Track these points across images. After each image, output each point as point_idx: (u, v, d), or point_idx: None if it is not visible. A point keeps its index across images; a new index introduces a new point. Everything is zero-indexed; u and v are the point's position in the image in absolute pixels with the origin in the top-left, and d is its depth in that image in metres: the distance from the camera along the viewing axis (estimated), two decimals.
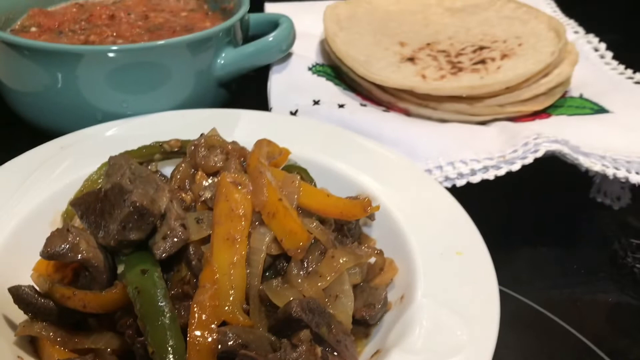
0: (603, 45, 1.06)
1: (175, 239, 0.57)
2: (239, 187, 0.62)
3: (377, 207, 0.65)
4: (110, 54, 0.78)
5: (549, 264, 0.78)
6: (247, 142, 0.76)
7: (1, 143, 0.92)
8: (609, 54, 1.04)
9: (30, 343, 0.58)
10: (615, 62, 1.02)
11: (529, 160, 0.75)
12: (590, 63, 1.03)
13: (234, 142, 0.73)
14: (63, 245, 0.56)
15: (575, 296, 0.74)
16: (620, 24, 1.50)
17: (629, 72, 0.99)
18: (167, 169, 0.75)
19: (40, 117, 0.87)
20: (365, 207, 0.61)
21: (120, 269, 0.58)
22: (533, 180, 0.80)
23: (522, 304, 0.72)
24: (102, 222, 0.59)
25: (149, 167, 0.74)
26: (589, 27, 1.20)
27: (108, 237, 0.57)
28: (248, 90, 0.98)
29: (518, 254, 0.80)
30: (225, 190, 0.61)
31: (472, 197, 0.74)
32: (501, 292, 0.71)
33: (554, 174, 0.81)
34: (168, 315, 0.52)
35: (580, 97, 0.95)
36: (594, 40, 1.08)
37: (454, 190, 0.75)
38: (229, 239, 0.57)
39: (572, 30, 1.14)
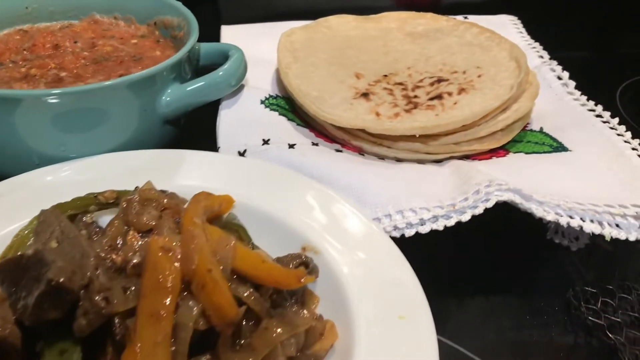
0: (566, 74, 1.03)
1: (96, 316, 0.54)
2: (170, 254, 0.59)
3: (312, 278, 0.62)
4: (48, 98, 0.74)
5: (501, 314, 0.76)
6: (190, 186, 0.74)
7: None
8: (572, 83, 1.01)
9: None
10: (578, 92, 1.00)
11: (480, 210, 0.73)
12: (553, 92, 1.01)
13: (171, 195, 0.70)
14: None
15: (527, 350, 0.72)
16: (589, 40, 1.48)
17: (591, 103, 0.97)
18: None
19: None
20: (299, 277, 0.58)
21: (40, 346, 0.55)
22: (487, 221, 0.77)
23: None
24: (21, 294, 0.56)
25: (85, 219, 0.71)
26: (558, 44, 1.18)
27: (25, 313, 0.54)
28: (201, 122, 0.94)
29: (469, 303, 0.78)
30: (153, 257, 0.58)
31: (421, 241, 0.73)
32: (447, 347, 0.70)
33: (509, 215, 0.79)
34: None
35: (541, 130, 0.93)
36: (558, 68, 1.05)
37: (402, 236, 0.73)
38: (153, 315, 0.54)
39: (537, 55, 1.12)
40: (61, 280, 0.53)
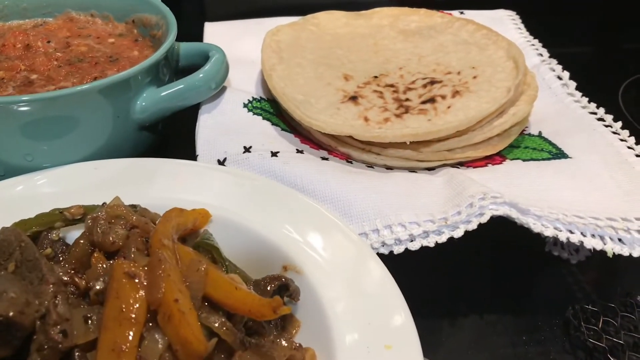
0: (567, 74, 0.98)
1: (52, 351, 0.50)
2: (135, 280, 0.54)
3: (288, 309, 0.57)
4: (13, 106, 0.69)
5: (495, 334, 0.71)
6: (166, 198, 0.70)
7: None
8: (573, 84, 0.96)
9: None
10: (579, 94, 0.94)
11: (473, 225, 0.68)
12: (552, 93, 0.96)
13: (142, 211, 0.66)
14: None
15: None
16: (590, 35, 1.42)
17: (592, 106, 0.91)
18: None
19: None
20: (274, 308, 0.54)
21: None
22: (480, 232, 0.72)
23: None
24: None
25: (51, 235, 0.66)
26: (558, 39, 1.13)
27: None
28: (180, 128, 0.89)
29: (461, 322, 0.73)
30: (117, 284, 0.53)
31: (410, 254, 0.69)
32: None
33: (504, 226, 0.74)
34: None
35: (539, 135, 0.88)
36: (558, 67, 1.00)
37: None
38: (114, 350, 0.50)
39: (536, 53, 1.07)
40: (10, 314, 0.48)
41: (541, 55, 1.06)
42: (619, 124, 0.87)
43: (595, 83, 0.99)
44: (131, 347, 0.50)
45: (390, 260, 0.65)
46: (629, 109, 1.13)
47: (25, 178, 0.73)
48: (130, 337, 0.50)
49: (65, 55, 0.88)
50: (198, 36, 1.08)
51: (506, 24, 1.15)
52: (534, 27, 1.17)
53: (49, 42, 0.91)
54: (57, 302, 0.53)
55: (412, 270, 0.65)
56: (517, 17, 1.18)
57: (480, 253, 0.79)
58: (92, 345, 0.52)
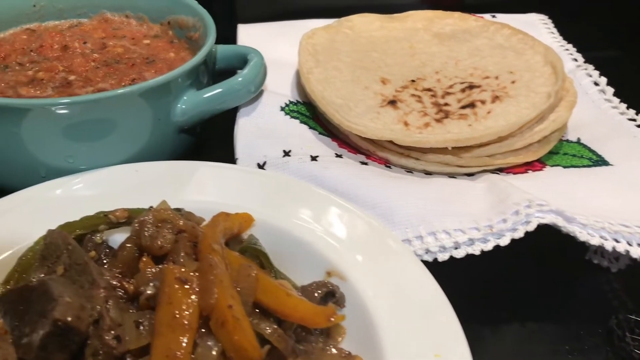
0: (604, 80, 0.97)
1: (107, 356, 0.50)
2: (186, 286, 0.54)
3: (342, 317, 0.57)
4: (56, 108, 0.69)
5: (537, 344, 0.71)
6: (207, 202, 0.70)
7: None
8: (610, 90, 0.95)
9: None
10: (616, 100, 0.93)
11: (520, 233, 0.67)
12: (590, 99, 0.95)
13: (187, 215, 0.65)
14: None
15: None
16: (622, 39, 1.41)
17: (631, 112, 0.90)
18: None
19: None
20: (328, 316, 0.53)
21: None
22: (520, 240, 0.71)
23: None
24: (24, 330, 0.51)
25: (94, 238, 0.66)
26: (590, 43, 1.12)
27: (28, 353, 0.49)
28: (218, 130, 0.89)
29: (504, 331, 0.72)
30: (169, 290, 0.53)
31: (452, 264, 0.68)
32: None
33: (543, 233, 0.73)
34: None
35: (578, 141, 0.87)
36: (594, 73, 0.99)
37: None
38: (169, 356, 0.50)
39: (571, 58, 1.05)
40: (68, 319, 0.48)
41: (576, 60, 1.05)
42: None
43: (628, 88, 0.98)
44: (185, 354, 0.50)
45: (430, 268, 0.64)
46: None
47: (67, 180, 0.73)
48: (184, 344, 0.50)
49: (102, 56, 0.88)
50: (228, 38, 1.08)
51: (539, 28, 1.14)
52: (561, 30, 1.16)
53: (85, 43, 0.91)
54: (108, 306, 0.53)
55: (452, 277, 0.64)
56: (550, 21, 1.17)
57: (519, 262, 0.78)
58: (143, 351, 0.52)
